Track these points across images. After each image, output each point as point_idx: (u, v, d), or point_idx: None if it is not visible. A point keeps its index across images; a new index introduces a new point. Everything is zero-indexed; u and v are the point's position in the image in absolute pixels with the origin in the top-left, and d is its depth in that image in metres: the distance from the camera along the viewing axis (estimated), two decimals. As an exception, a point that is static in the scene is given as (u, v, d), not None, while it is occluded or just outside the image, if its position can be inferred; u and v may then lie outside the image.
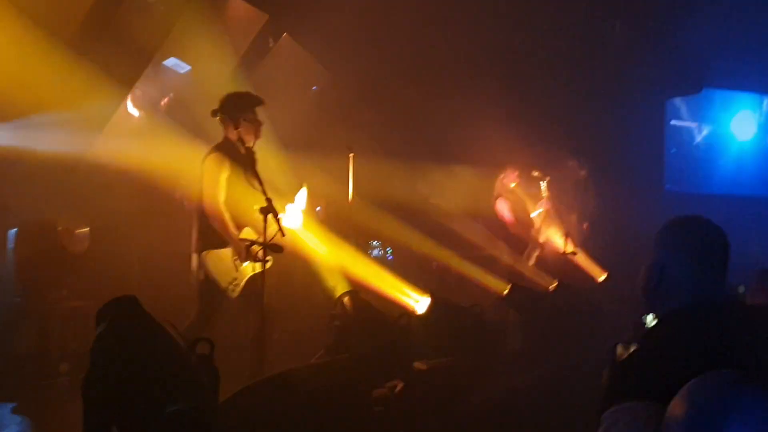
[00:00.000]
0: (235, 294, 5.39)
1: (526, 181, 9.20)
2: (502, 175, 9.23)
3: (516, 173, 9.17)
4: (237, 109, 5.60)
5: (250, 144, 5.52)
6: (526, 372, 6.79)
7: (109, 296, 3.54)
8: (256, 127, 5.64)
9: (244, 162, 5.45)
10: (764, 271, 5.55)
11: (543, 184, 9.01)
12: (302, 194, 5.84)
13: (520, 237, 9.16)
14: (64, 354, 6.68)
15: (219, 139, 5.68)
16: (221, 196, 5.44)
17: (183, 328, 5.04)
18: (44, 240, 6.92)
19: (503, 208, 9.16)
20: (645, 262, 2.81)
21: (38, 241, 6.91)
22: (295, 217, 5.60)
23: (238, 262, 5.42)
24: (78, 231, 7.17)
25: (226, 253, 5.42)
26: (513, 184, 9.23)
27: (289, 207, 5.51)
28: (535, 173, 9.04)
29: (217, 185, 5.44)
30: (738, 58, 11.33)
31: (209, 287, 5.44)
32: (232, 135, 5.49)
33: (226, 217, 5.42)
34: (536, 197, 9.25)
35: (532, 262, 9.12)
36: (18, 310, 6.79)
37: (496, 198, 9.18)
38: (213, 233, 5.44)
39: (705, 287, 2.68)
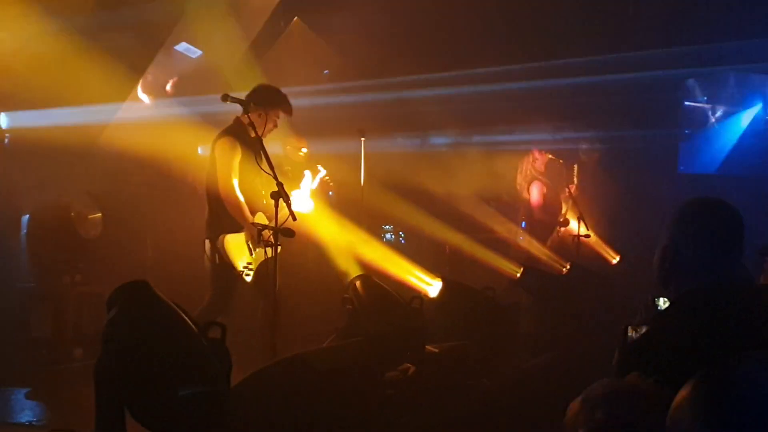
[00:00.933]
0: (250, 278, 5.40)
1: (551, 165, 9.11)
2: (530, 158, 9.12)
3: (546, 156, 9.06)
4: (269, 101, 5.63)
5: (260, 134, 5.53)
6: (539, 355, 6.80)
7: (123, 281, 3.55)
8: (273, 125, 5.68)
9: (254, 146, 5.45)
10: None
11: (575, 168, 8.94)
12: (307, 178, 5.84)
13: (544, 222, 9.08)
14: (77, 338, 6.73)
15: (227, 122, 5.68)
16: (235, 180, 5.45)
17: (196, 313, 5.06)
18: (58, 225, 6.95)
19: (536, 193, 9.05)
20: (659, 243, 2.79)
21: (52, 226, 6.95)
22: (304, 202, 5.59)
23: (252, 246, 5.43)
24: (91, 216, 7.19)
25: (241, 237, 5.42)
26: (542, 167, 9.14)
27: (295, 193, 5.50)
28: (555, 158, 8.97)
29: (230, 169, 5.44)
30: (754, 38, 11.20)
31: (224, 272, 5.44)
32: (246, 120, 5.47)
33: (241, 200, 5.43)
34: (561, 180, 9.17)
35: (549, 243, 9.05)
36: (32, 294, 6.84)
37: (530, 182, 9.06)
38: (227, 217, 5.44)
39: (719, 269, 2.66)
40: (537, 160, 9.06)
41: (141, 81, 8.11)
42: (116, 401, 3.28)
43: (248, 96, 5.59)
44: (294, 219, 5.12)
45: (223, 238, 5.39)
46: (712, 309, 2.58)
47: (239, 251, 5.41)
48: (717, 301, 2.60)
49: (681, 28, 10.68)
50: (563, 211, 9.11)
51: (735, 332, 2.52)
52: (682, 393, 1.73)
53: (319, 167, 6.34)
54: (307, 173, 5.92)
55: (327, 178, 6.42)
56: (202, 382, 3.40)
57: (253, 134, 5.42)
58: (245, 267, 5.39)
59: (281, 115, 5.72)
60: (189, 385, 3.34)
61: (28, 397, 5.68)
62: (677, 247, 2.68)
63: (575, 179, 8.92)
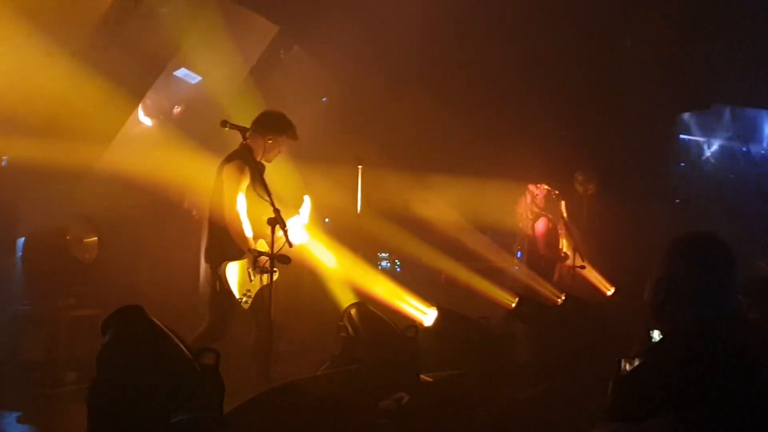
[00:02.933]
0: (248, 305, 5.38)
1: (548, 197, 9.09)
2: (530, 194, 9.05)
3: (544, 189, 9.01)
4: (278, 127, 5.67)
5: (267, 160, 5.56)
6: (534, 385, 6.78)
7: (118, 305, 3.55)
8: (278, 152, 5.71)
9: (255, 172, 5.46)
10: None
11: (562, 204, 8.93)
12: (306, 206, 5.83)
13: (549, 257, 9.04)
14: (71, 362, 6.69)
15: (228, 149, 5.69)
16: (241, 206, 5.44)
17: (193, 338, 5.04)
18: (53, 248, 6.93)
19: (543, 228, 8.96)
20: (651, 276, 2.81)
21: (47, 249, 6.93)
22: (299, 233, 5.56)
23: (252, 273, 5.41)
24: (87, 239, 7.18)
25: (243, 264, 5.41)
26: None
27: (291, 221, 5.49)
28: (551, 189, 8.96)
29: (237, 194, 5.44)
30: (746, 74, 11.33)
31: (225, 299, 5.40)
32: (253, 146, 5.50)
33: (247, 228, 5.42)
34: (557, 213, 9.15)
35: (555, 277, 9.01)
36: (26, 317, 6.81)
37: (536, 218, 8.98)
38: (229, 243, 5.41)
39: (711, 303, 2.68)
40: (537, 196, 9.04)
41: (141, 105, 8.15)
42: (109, 426, 3.27)
43: (255, 122, 5.61)
44: (290, 246, 5.13)
45: (225, 264, 5.37)
46: (705, 342, 2.60)
47: (240, 278, 5.40)
48: (710, 334, 2.62)
49: (676, 64, 10.79)
50: (561, 245, 9.12)
51: (727, 365, 2.53)
52: None
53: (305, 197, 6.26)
54: (306, 198, 5.90)
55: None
56: (194, 408, 3.39)
57: (254, 161, 5.44)
58: (245, 294, 5.38)
59: (286, 140, 5.75)
60: (182, 412, 3.33)
61: (19, 421, 5.63)
62: (669, 280, 2.71)
63: (564, 213, 8.91)
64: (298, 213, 5.74)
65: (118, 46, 7.31)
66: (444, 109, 9.93)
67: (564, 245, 9.03)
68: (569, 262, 8.75)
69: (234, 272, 5.35)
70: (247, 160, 5.46)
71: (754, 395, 2.52)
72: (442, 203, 9.82)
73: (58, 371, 6.61)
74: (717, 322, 2.64)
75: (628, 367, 2.91)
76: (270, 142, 5.61)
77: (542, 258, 8.99)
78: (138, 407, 3.30)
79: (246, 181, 5.45)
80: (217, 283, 5.39)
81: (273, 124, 5.68)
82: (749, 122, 13.82)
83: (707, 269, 2.71)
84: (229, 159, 5.56)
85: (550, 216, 8.94)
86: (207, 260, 5.55)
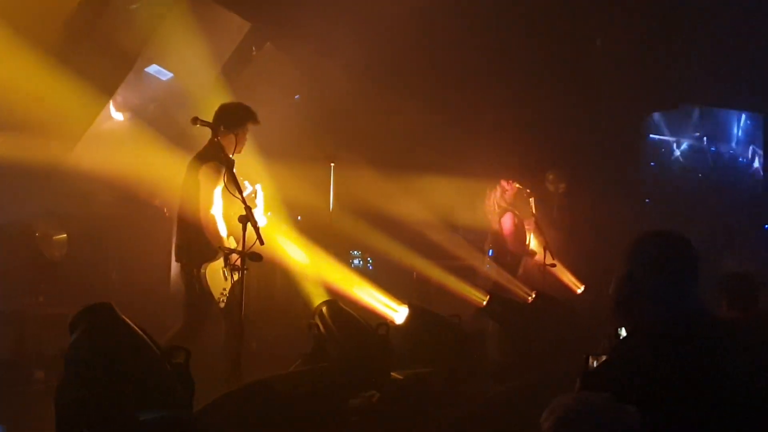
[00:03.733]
0: (224, 305, 5.36)
1: (519, 195, 9.15)
2: (500, 189, 9.10)
3: (515, 186, 9.06)
4: (239, 119, 5.62)
5: (237, 152, 5.52)
6: (504, 382, 6.82)
7: (87, 303, 3.53)
8: (244, 142, 5.67)
9: (228, 171, 5.43)
10: None
11: (531, 201, 8.98)
12: (260, 196, 5.81)
13: (514, 252, 9.11)
14: (39, 361, 6.63)
15: (199, 146, 5.65)
16: (216, 207, 5.41)
17: (167, 337, 5.01)
18: (22, 246, 6.88)
19: (509, 224, 9.03)
20: (615, 274, 2.85)
21: (15, 246, 6.87)
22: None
23: (227, 272, 5.38)
24: (56, 237, 7.13)
25: (219, 264, 5.38)
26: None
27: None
28: (522, 188, 9.01)
29: (213, 195, 5.40)
30: (715, 74, 11.47)
31: (203, 300, 5.37)
32: (224, 142, 5.46)
33: (222, 229, 5.39)
34: (527, 210, 9.22)
35: (519, 271, 9.08)
36: (-7, 315, 6.75)
37: (502, 213, 9.04)
38: (204, 243, 5.38)
39: (674, 301, 2.71)
40: (506, 192, 9.10)
41: (112, 100, 8.09)
42: (77, 425, 3.25)
43: (216, 118, 5.55)
44: (262, 243, 5.12)
45: (206, 266, 5.34)
46: (669, 340, 2.63)
47: (217, 279, 5.37)
48: (673, 332, 2.65)
49: (645, 64, 10.88)
50: (527, 241, 9.18)
51: (691, 363, 2.57)
52: None
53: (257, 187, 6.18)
54: (258, 187, 5.87)
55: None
56: (164, 406, 3.38)
57: (225, 158, 5.40)
58: (221, 294, 5.36)
59: (249, 126, 5.71)
60: (151, 410, 3.32)
61: (-13, 419, 5.58)
62: (632, 278, 2.74)
63: (534, 210, 8.97)
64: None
65: (89, 42, 7.25)
66: (417, 107, 9.94)
67: (533, 243, 9.10)
68: (539, 259, 8.80)
69: (212, 273, 5.33)
70: (221, 159, 5.43)
71: (718, 392, 2.55)
72: (415, 201, 9.84)
73: (26, 370, 6.55)
74: (680, 320, 2.68)
75: (594, 363, 2.94)
76: (238, 135, 5.58)
77: (508, 253, 9.06)
78: (106, 405, 3.28)
79: (222, 182, 5.41)
80: (197, 286, 5.35)
81: (236, 117, 5.64)
82: (718, 122, 13.98)
83: (669, 267, 2.75)
84: (203, 159, 5.50)
85: (516, 212, 9.01)
86: (178, 260, 5.51)
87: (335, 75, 9.85)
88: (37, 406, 5.59)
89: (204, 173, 5.42)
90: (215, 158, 5.44)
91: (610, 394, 2.30)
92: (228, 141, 5.50)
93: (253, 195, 5.77)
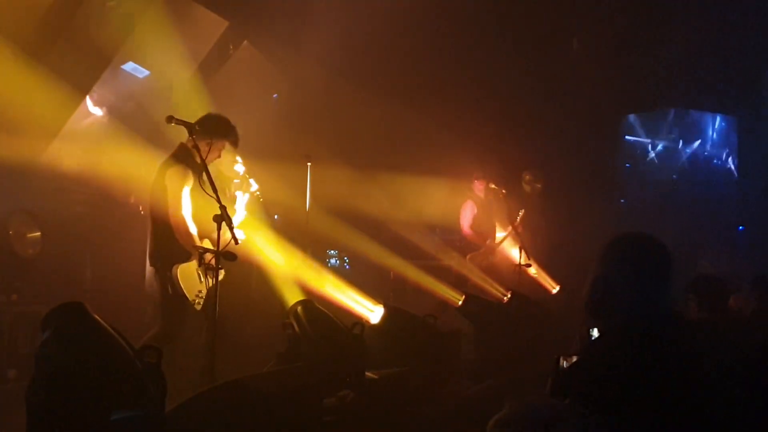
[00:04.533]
0: (200, 306, 5.33)
1: (490, 192, 9.22)
2: (471, 185, 9.26)
3: (485, 183, 9.16)
4: (217, 131, 5.62)
5: (205, 160, 5.48)
6: (479, 382, 6.85)
7: (61, 301, 3.51)
8: (217, 155, 5.66)
9: (198, 170, 5.42)
10: (758, 278, 5.68)
11: (502, 197, 9.06)
12: (240, 202, 5.83)
13: (470, 242, 9.21)
14: (12, 359, 6.57)
15: (175, 144, 5.64)
16: (186, 208, 5.39)
17: (143, 340, 4.97)
18: (-6, 243, 6.81)
19: (468, 212, 9.18)
20: (589, 275, 2.87)
21: (-12, 244, 6.80)
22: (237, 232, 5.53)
23: (202, 273, 5.37)
24: (30, 235, 7.06)
25: (192, 265, 5.36)
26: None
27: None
28: (498, 188, 9.08)
29: (181, 198, 5.38)
30: (690, 77, 11.57)
31: (178, 303, 5.34)
32: (191, 143, 5.43)
33: (192, 229, 5.37)
34: (500, 209, 9.29)
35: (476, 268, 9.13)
36: (-34, 314, 6.68)
37: (464, 202, 9.20)
38: (176, 245, 5.35)
39: (647, 303, 2.74)
40: (477, 188, 9.22)
41: (89, 96, 8.04)
42: (48, 424, 3.24)
43: (197, 123, 5.54)
44: (236, 242, 5.11)
45: (177, 268, 5.31)
46: (641, 341, 2.66)
47: (191, 280, 5.35)
48: (644, 333, 2.68)
49: (623, 65, 10.96)
50: (496, 240, 9.26)
51: (662, 364, 2.59)
52: None
53: (252, 181, 6.22)
54: (238, 194, 5.89)
55: (258, 193, 6.32)
56: (136, 406, 3.37)
57: (198, 159, 5.39)
58: (196, 296, 5.34)
59: (227, 145, 5.71)
60: (122, 409, 3.31)
61: (-42, 419, 5.53)
62: (605, 280, 2.76)
63: (509, 210, 9.07)
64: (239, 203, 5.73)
65: (64, 39, 7.20)
66: (394, 107, 9.96)
67: (506, 242, 9.20)
68: (515, 260, 8.85)
69: (185, 275, 5.31)
70: (188, 163, 5.42)
71: (688, 393, 2.58)
72: (392, 201, 9.86)
73: (-1, 368, 6.50)
74: (652, 322, 2.70)
75: (565, 364, 2.97)
76: (212, 144, 5.56)
77: (464, 241, 9.17)
78: (78, 405, 3.26)
79: (189, 184, 5.40)
80: (169, 287, 5.33)
81: (214, 128, 5.62)
82: (693, 124, 14.11)
83: (642, 269, 2.77)
84: (170, 163, 5.49)
85: (478, 202, 9.11)
86: (152, 264, 5.46)
87: (313, 74, 9.84)
88: (10, 405, 5.55)
89: (169, 176, 5.41)
90: (183, 161, 5.44)
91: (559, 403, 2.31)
92: (203, 146, 5.48)
93: (258, 193, 5.85)
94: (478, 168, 9.38)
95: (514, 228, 9.05)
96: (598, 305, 2.81)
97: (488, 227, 9.32)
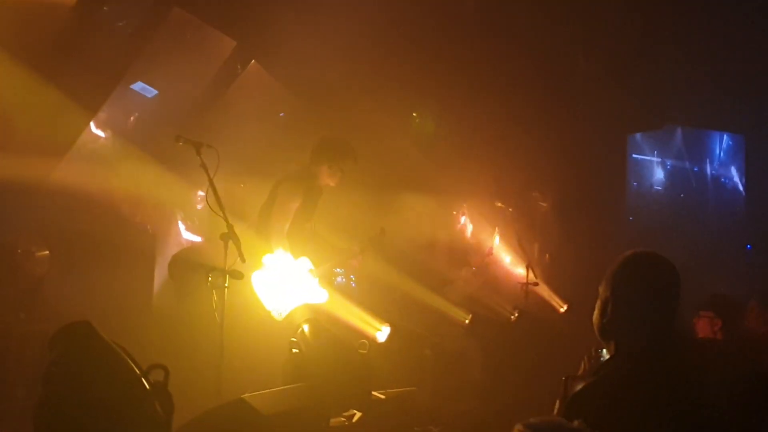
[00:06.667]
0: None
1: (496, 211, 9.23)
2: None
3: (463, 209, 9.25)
4: (335, 154, 6.19)
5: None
6: (485, 402, 6.83)
7: (69, 320, 3.51)
8: (335, 180, 6.16)
9: (314, 194, 5.96)
10: (764, 297, 5.63)
11: (496, 236, 9.11)
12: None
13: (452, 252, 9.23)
14: (20, 378, 6.58)
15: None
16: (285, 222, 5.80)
17: None
18: (3, 262, 6.83)
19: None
20: (599, 297, 2.86)
21: (-3, 263, 6.82)
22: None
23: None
24: (38, 254, 7.08)
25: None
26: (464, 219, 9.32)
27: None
28: (505, 207, 9.10)
29: (288, 210, 5.88)
30: (699, 95, 11.56)
31: None
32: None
33: (278, 242, 5.77)
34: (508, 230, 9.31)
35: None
36: (-27, 332, 6.69)
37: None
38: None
39: (655, 324, 2.72)
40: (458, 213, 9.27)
41: (94, 119, 8.08)
42: (54, 444, 3.23)
43: (314, 148, 6.04)
44: (243, 261, 5.12)
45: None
46: (651, 364, 2.64)
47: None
48: (655, 356, 2.66)
49: (629, 83, 10.96)
50: (481, 258, 9.26)
51: (672, 385, 2.58)
52: None
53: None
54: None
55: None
56: (143, 425, 3.36)
57: (317, 182, 5.60)
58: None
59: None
60: (130, 429, 3.30)
61: (-35, 438, 5.53)
62: (616, 301, 2.75)
63: (516, 229, 9.07)
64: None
65: (75, 59, 7.25)
66: (401, 126, 9.98)
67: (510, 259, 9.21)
68: (522, 278, 8.83)
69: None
70: (303, 184, 5.96)
71: (698, 414, 2.56)
72: (398, 219, 9.84)
73: (7, 387, 6.49)
74: (661, 342, 2.69)
75: (574, 385, 2.95)
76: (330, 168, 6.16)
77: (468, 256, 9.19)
78: (84, 425, 3.26)
79: (297, 202, 5.87)
80: None
81: (330, 151, 6.12)
82: (700, 142, 14.09)
83: (651, 288, 2.76)
84: (286, 178, 6.12)
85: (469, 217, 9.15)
86: None
87: (320, 93, 9.86)
88: (18, 425, 5.56)
89: (283, 188, 6.06)
90: (299, 180, 6.07)
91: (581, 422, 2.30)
92: (322, 170, 6.06)
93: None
94: (491, 193, 9.41)
95: (519, 242, 9.02)
96: (608, 326, 2.80)
97: (474, 243, 9.32)
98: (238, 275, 5.13)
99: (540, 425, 2.13)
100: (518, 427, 2.14)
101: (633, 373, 2.63)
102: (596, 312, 2.84)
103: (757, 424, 2.86)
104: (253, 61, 9.51)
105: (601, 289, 2.85)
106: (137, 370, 3.56)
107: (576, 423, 2.29)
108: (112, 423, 3.29)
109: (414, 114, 10.26)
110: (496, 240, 9.17)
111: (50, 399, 3.29)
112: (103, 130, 8.42)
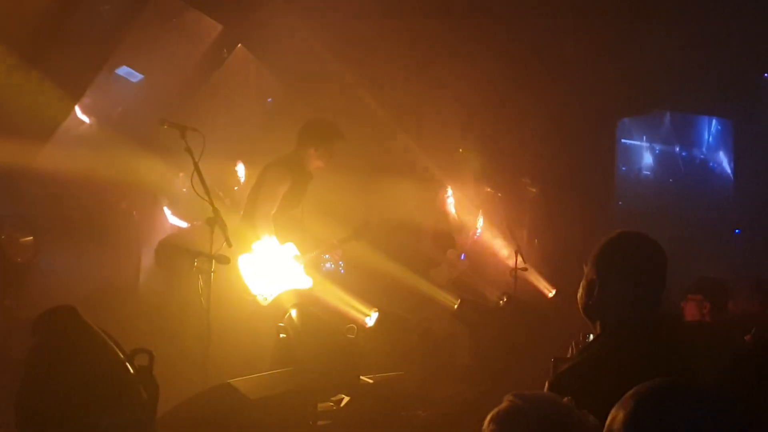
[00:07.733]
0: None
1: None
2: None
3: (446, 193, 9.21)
4: (323, 137, 6.10)
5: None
6: (474, 386, 6.83)
7: (53, 306, 3.47)
8: (323, 163, 6.11)
9: (302, 179, 5.95)
10: (756, 280, 5.64)
11: (480, 219, 9.08)
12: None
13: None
14: (5, 365, 6.52)
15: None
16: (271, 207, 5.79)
17: None
18: (-14, 248, 6.77)
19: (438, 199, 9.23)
20: (584, 277, 2.84)
21: (-20, 249, 6.76)
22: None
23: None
24: (23, 240, 7.02)
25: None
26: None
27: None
28: (494, 191, 9.08)
29: (275, 196, 5.85)
30: (688, 80, 11.56)
31: None
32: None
33: (263, 228, 5.73)
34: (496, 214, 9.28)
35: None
36: (-43, 319, 6.64)
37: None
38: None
39: (641, 304, 2.71)
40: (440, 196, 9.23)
41: (78, 104, 8.00)
42: (38, 431, 3.19)
43: (300, 131, 5.97)
44: (230, 245, 5.08)
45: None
46: (637, 343, 2.63)
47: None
48: (641, 335, 2.65)
49: (618, 67, 10.94)
50: (467, 240, 9.24)
51: (658, 366, 2.56)
52: (617, 416, 1.76)
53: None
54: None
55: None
56: (127, 410, 3.33)
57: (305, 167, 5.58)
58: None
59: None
60: (114, 415, 3.27)
61: (-51, 426, 5.48)
62: (601, 281, 2.73)
63: (505, 213, 9.05)
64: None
65: (58, 43, 7.18)
66: (390, 112, 9.93)
67: (501, 245, 9.19)
68: (511, 263, 8.82)
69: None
70: (292, 169, 5.94)
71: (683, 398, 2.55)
72: (387, 204, 9.81)
73: (-8, 374, 6.45)
74: (646, 323, 2.68)
75: (562, 367, 2.93)
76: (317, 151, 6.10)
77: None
78: (68, 410, 3.22)
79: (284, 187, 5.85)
80: None
81: (317, 134, 6.07)
82: (689, 127, 14.11)
83: (636, 268, 2.74)
84: (274, 162, 6.05)
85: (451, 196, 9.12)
86: None
87: (308, 78, 9.81)
88: (4, 411, 5.50)
89: (270, 172, 6.01)
90: (287, 165, 5.99)
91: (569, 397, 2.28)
92: (310, 153, 6.00)
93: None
94: (475, 174, 9.37)
95: (507, 227, 9.00)
96: (593, 308, 2.78)
97: (455, 225, 9.30)
98: (224, 260, 5.09)
99: (530, 396, 2.11)
100: (508, 396, 2.11)
101: (618, 350, 2.62)
102: (581, 291, 2.82)
103: (747, 396, 2.84)
104: (239, 45, 9.44)
105: (586, 269, 2.83)
106: (121, 355, 3.53)
107: (565, 400, 2.26)
108: (95, 408, 3.25)
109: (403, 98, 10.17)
110: (480, 222, 9.14)
111: (32, 384, 3.25)
112: (89, 115, 8.34)
